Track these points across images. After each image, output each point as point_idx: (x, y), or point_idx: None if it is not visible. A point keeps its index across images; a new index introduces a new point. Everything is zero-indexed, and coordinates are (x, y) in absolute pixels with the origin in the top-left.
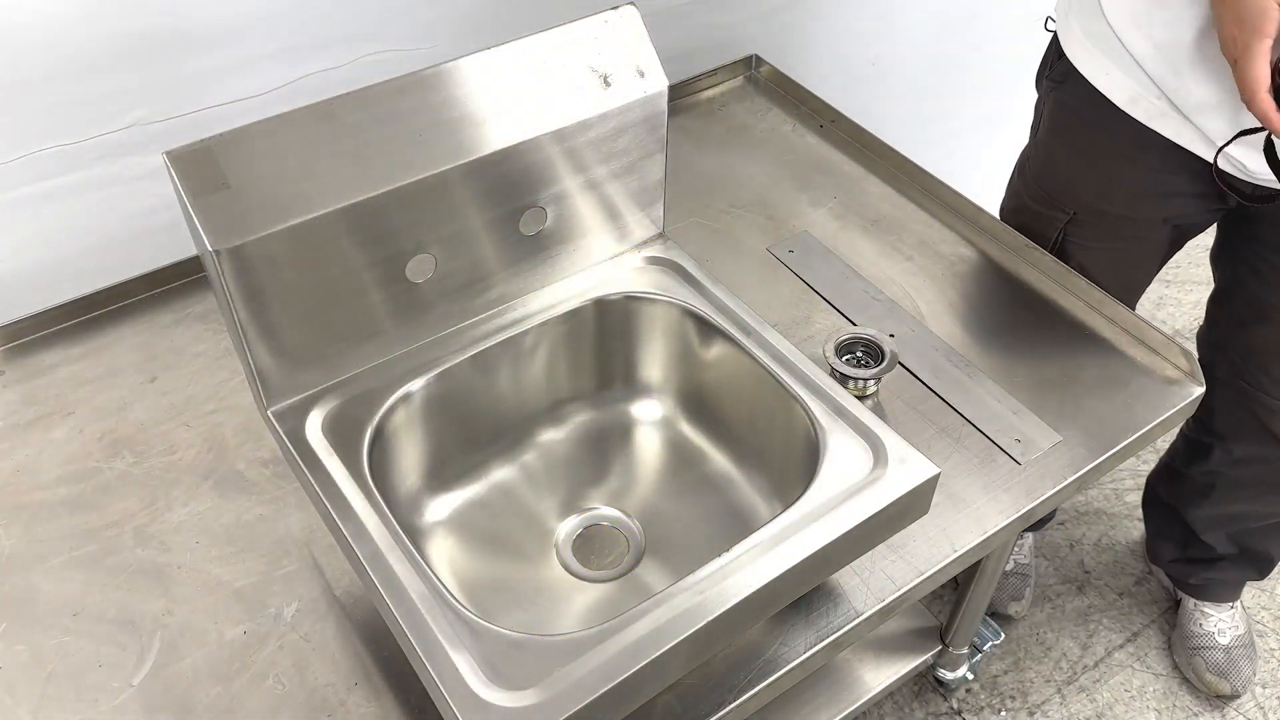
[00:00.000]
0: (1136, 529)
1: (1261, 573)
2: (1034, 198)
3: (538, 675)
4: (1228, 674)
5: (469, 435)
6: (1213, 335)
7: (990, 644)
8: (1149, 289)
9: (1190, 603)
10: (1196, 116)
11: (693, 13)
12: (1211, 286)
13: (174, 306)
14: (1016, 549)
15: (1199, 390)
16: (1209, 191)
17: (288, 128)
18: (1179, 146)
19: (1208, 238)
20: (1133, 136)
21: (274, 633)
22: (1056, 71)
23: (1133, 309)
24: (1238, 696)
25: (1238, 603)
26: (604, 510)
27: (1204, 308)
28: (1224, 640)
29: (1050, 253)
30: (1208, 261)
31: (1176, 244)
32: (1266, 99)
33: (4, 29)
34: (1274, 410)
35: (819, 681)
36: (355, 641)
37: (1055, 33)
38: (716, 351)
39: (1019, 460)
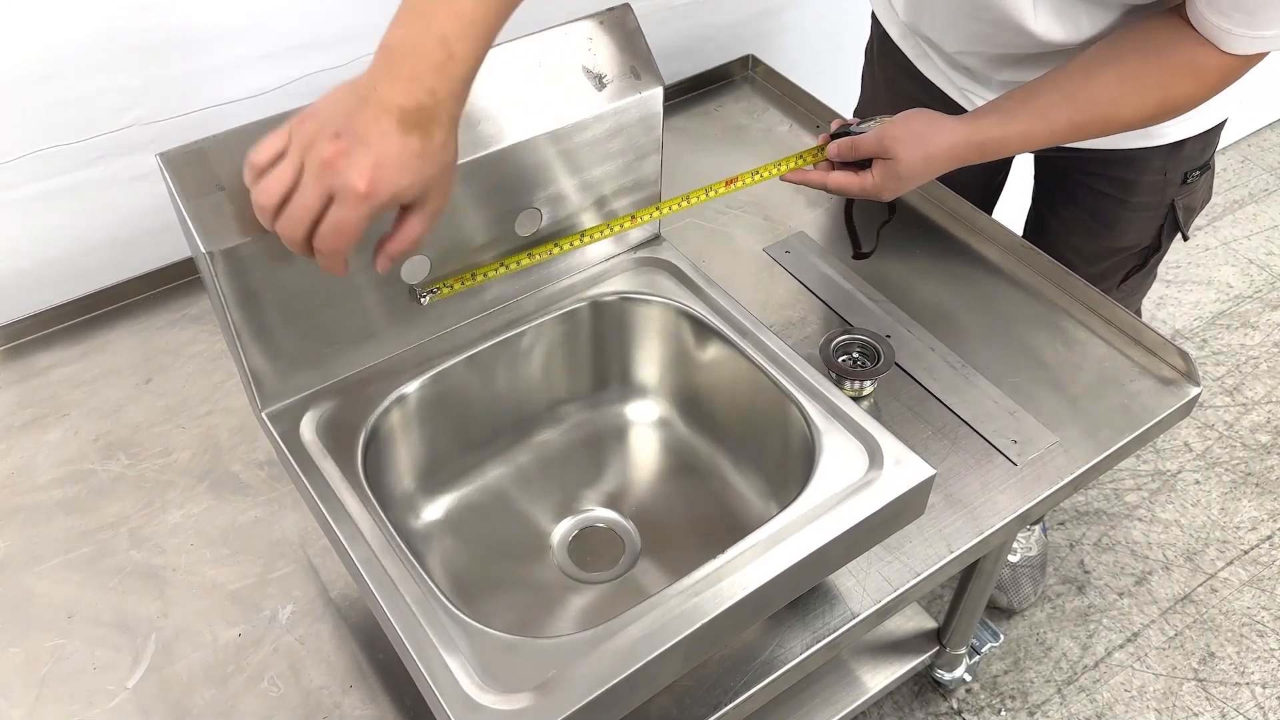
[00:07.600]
0: (1136, 529)
1: None
2: (855, 113)
3: (532, 678)
4: (1007, 589)
5: (464, 437)
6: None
7: (989, 645)
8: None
9: None
10: (945, 65)
11: (689, 13)
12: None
13: (170, 308)
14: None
15: (1196, 390)
16: None
17: None
18: (937, 88)
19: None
20: (904, 67)
21: (269, 635)
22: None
23: None
24: (1013, 611)
25: (1037, 527)
26: (599, 512)
27: (1204, 308)
28: (1013, 559)
29: None
30: (1208, 261)
31: (980, 189)
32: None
33: (4, 29)
34: None
35: (816, 682)
36: (350, 644)
37: None
38: (712, 353)
39: (1015, 461)
